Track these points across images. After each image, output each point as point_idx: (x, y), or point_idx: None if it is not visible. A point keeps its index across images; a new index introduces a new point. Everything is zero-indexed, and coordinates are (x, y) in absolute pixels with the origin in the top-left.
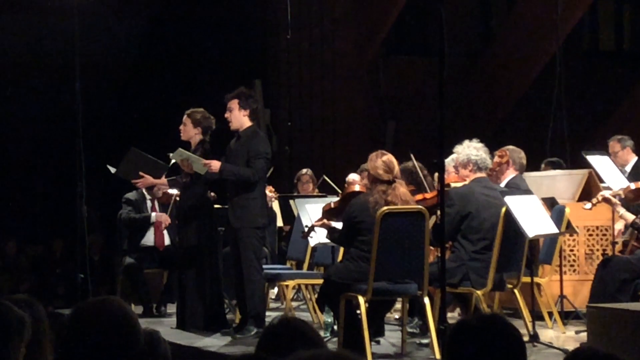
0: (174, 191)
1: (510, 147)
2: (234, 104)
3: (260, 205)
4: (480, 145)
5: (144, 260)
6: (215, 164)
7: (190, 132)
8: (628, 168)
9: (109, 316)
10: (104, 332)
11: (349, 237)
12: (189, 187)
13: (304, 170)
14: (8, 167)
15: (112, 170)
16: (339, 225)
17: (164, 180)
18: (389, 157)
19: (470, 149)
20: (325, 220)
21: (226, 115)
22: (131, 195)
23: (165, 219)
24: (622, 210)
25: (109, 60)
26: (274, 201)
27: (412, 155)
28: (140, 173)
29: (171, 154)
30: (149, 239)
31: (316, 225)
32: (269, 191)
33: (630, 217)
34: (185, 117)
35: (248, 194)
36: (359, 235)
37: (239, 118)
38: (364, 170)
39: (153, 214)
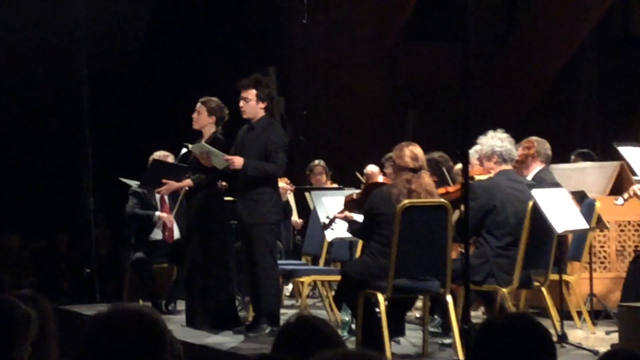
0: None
1: (536, 138)
2: (250, 94)
3: (275, 200)
4: (505, 135)
5: (152, 255)
6: (239, 160)
7: (204, 120)
8: None
9: (140, 329)
10: (131, 345)
11: (369, 229)
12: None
13: (317, 161)
14: (11, 158)
15: (133, 183)
16: (360, 217)
17: (188, 181)
18: (416, 147)
19: (495, 140)
20: (347, 212)
21: (240, 104)
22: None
23: (169, 219)
24: None
25: (116, 46)
26: (289, 194)
27: None
28: (163, 180)
29: (190, 145)
30: (157, 232)
31: (338, 217)
32: (285, 183)
33: None
34: (199, 104)
35: (261, 189)
36: (379, 228)
37: (255, 109)
38: (388, 159)
39: (157, 213)
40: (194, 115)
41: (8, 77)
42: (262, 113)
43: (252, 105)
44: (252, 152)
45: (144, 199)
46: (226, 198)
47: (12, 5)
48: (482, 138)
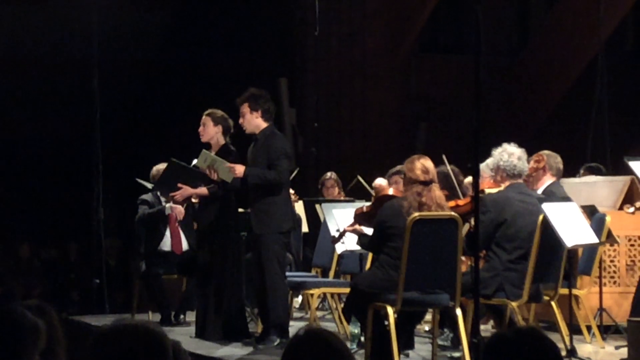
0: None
1: (547, 151)
2: (244, 107)
3: (284, 210)
4: (514, 149)
5: (162, 266)
6: (240, 168)
7: (210, 131)
8: None
9: (141, 343)
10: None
11: (379, 242)
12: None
13: (329, 174)
14: (22, 167)
15: (148, 185)
16: (370, 230)
17: (204, 189)
18: (427, 160)
19: (503, 154)
20: (357, 226)
21: (239, 121)
22: (147, 196)
23: (180, 210)
24: None
25: (128, 58)
26: (295, 202)
27: (444, 158)
28: (179, 185)
29: (195, 160)
30: (166, 243)
31: (348, 230)
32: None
33: None
34: (204, 117)
35: (271, 198)
36: (389, 241)
37: (252, 121)
38: (393, 174)
39: (167, 204)
40: (200, 129)
41: (19, 88)
42: (263, 124)
43: (248, 118)
44: (257, 163)
45: (152, 206)
46: (239, 210)
47: (26, 15)
48: (495, 151)
